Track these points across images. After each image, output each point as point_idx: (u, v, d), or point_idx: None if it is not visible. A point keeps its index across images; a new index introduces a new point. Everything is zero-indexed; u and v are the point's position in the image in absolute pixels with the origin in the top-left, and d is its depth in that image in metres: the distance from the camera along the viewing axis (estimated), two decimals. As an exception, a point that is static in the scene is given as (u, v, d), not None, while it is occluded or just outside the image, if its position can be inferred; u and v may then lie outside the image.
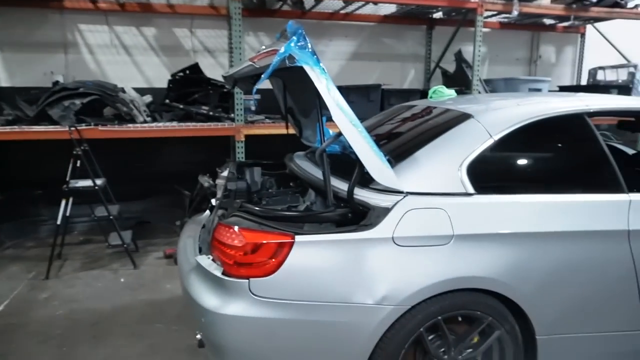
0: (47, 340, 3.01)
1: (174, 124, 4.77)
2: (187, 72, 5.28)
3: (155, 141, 5.18)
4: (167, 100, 5.10)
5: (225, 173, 3.17)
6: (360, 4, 5.77)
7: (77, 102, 4.48)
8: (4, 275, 4.07)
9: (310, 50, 1.98)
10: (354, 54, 6.53)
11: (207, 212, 3.05)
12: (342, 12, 6.15)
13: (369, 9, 6.14)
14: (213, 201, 3.09)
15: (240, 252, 1.90)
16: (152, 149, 5.61)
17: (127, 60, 5.73)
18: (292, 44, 1.94)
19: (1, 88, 5.37)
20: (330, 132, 2.61)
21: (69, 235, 4.55)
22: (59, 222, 4.09)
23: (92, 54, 5.63)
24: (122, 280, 3.96)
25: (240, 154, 4.76)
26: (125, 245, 4.19)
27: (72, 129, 4.23)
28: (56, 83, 4.98)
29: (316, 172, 2.48)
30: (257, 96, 5.21)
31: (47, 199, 5.00)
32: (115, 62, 5.69)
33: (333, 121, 1.98)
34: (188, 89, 5.22)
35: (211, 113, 4.92)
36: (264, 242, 1.89)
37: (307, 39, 2.00)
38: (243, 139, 4.76)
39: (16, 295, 3.67)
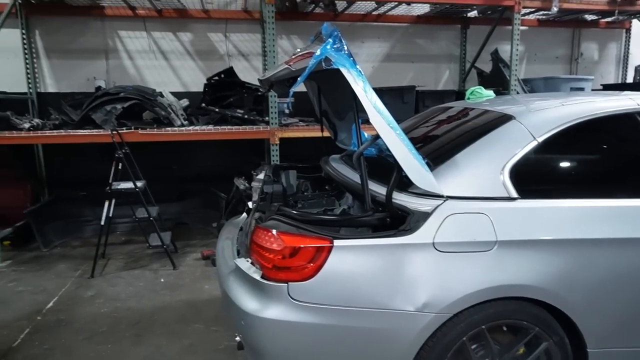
0: (92, 337, 3.12)
1: (210, 127, 4.86)
2: (222, 76, 5.37)
3: (191, 144, 5.30)
4: (203, 104, 5.20)
5: (260, 176, 3.20)
6: (393, 4, 5.72)
7: (119, 106, 4.64)
8: (52, 272, 4.26)
9: (346, 52, 1.97)
10: (387, 56, 6.48)
11: (244, 214, 3.08)
12: (374, 13, 6.11)
13: (402, 10, 6.08)
14: (250, 204, 3.13)
15: (279, 255, 1.90)
16: (188, 151, 5.74)
17: (164, 65, 5.89)
18: (328, 47, 1.93)
19: (48, 94, 5.62)
20: (366, 134, 2.59)
21: (111, 235, 4.71)
22: (102, 222, 4.23)
23: (131, 59, 5.81)
24: (161, 280, 4.06)
25: (274, 157, 4.80)
26: (165, 246, 4.29)
27: (114, 132, 4.37)
28: (99, 88, 5.16)
29: (353, 176, 2.46)
30: (291, 99, 5.23)
31: (91, 199, 5.19)
32: (153, 66, 5.85)
33: (369, 124, 1.96)
34: (223, 93, 5.31)
35: (246, 116, 4.98)
36: (302, 246, 1.88)
37: (343, 40, 1.99)
38: (277, 142, 4.79)
39: (64, 292, 3.83)
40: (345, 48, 1.98)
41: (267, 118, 4.88)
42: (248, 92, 5.36)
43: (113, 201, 4.25)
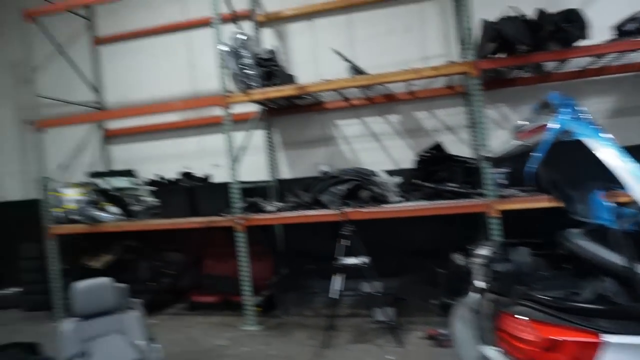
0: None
1: (425, 202, 5.00)
2: (433, 151, 5.55)
3: (405, 219, 5.48)
4: (415, 180, 5.41)
5: (482, 252, 3.11)
6: (614, 55, 5.15)
7: (342, 187, 5.19)
8: (293, 339, 4.78)
9: (587, 121, 1.88)
10: (613, 111, 5.76)
11: (473, 294, 2.99)
12: (592, 67, 5.57)
13: (627, 58, 5.41)
14: (479, 283, 3.04)
15: (535, 348, 1.79)
16: (402, 226, 5.90)
17: (376, 146, 6.42)
18: (566, 117, 1.88)
19: (284, 180, 6.69)
20: (609, 204, 2.32)
21: (338, 308, 5.05)
22: (335, 296, 4.57)
23: (347, 144, 6.53)
24: (389, 357, 4.13)
25: (495, 231, 4.59)
26: (390, 323, 4.41)
27: (342, 212, 4.84)
28: (324, 172, 5.89)
29: (608, 254, 2.20)
30: (506, 169, 5.05)
31: (319, 273, 5.75)
32: (366, 149, 6.44)
33: (611, 192, 1.79)
34: (432, 167, 5.46)
35: (460, 190, 4.98)
36: (563, 339, 1.74)
37: (580, 109, 1.92)
38: (497, 215, 4.60)
39: (305, 360, 4.23)
40: (584, 116, 1.90)
41: (480, 190, 4.77)
42: (457, 164, 5.39)
43: (344, 276, 4.57)
